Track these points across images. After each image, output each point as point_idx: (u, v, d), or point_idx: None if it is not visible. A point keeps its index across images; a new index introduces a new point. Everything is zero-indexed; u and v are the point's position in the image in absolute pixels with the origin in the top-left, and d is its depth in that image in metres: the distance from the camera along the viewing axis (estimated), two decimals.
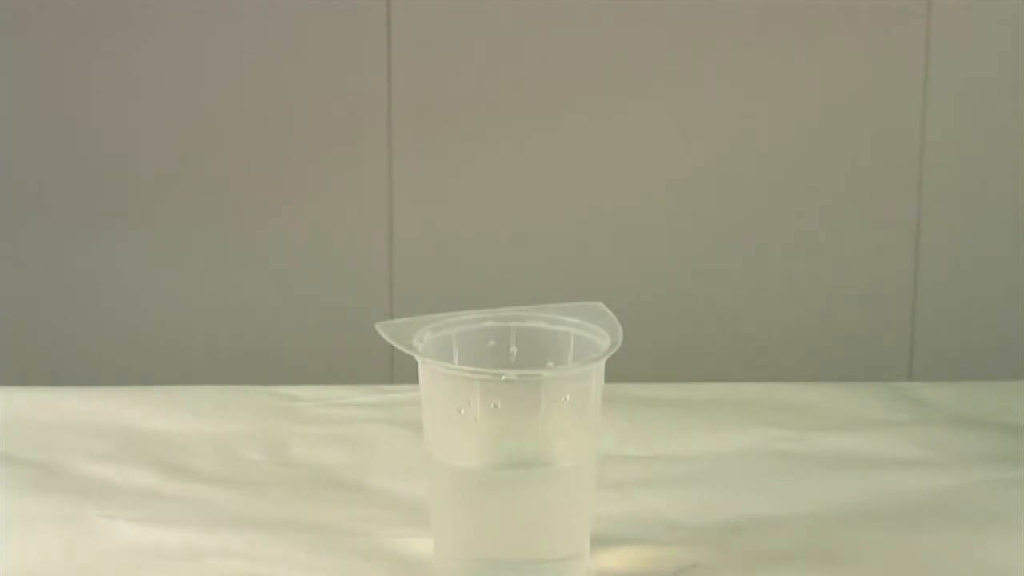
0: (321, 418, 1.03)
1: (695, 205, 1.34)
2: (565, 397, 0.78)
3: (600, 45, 1.31)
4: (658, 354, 1.28)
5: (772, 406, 1.05)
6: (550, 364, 0.82)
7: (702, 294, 1.36)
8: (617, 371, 0.81)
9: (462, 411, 0.77)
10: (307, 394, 1.07)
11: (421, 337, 0.80)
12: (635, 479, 0.93)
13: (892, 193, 1.34)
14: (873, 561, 0.83)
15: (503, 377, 0.78)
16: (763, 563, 0.82)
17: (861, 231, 1.35)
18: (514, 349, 0.82)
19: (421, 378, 0.79)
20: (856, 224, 1.35)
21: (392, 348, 0.79)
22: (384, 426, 1.01)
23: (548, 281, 1.34)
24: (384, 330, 0.80)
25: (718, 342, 1.36)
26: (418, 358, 0.79)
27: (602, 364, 0.78)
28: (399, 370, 1.27)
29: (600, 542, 0.82)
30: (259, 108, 1.32)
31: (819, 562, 0.82)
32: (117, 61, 1.31)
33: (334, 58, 1.31)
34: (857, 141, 1.33)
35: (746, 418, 1.03)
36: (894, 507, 0.89)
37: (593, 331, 0.81)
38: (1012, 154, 1.33)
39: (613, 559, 0.83)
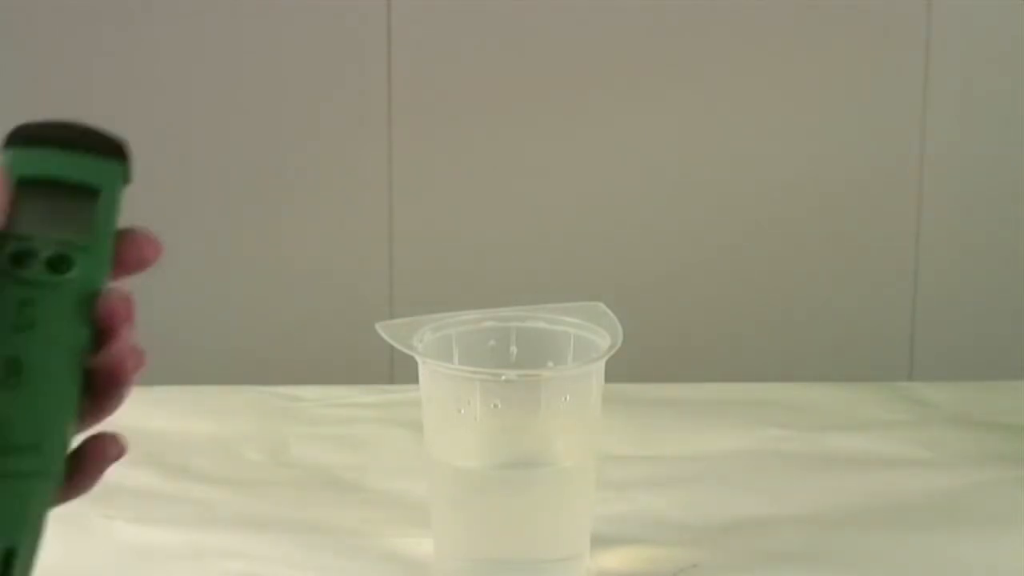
0: (321, 418, 1.03)
1: (695, 205, 1.34)
2: (565, 397, 0.78)
3: (600, 45, 1.31)
4: (658, 354, 1.28)
5: (772, 406, 1.05)
6: (550, 364, 0.82)
7: (702, 294, 1.36)
8: (617, 371, 0.81)
9: (462, 411, 0.77)
10: (307, 394, 1.07)
11: (421, 337, 0.80)
12: (635, 479, 0.93)
13: (892, 194, 1.34)
14: (873, 561, 0.83)
15: (503, 377, 0.78)
16: (763, 563, 0.82)
17: (861, 231, 1.35)
18: (514, 349, 0.82)
19: (421, 378, 0.79)
20: (856, 224, 1.35)
21: (392, 348, 0.79)
22: (384, 426, 1.01)
23: (548, 281, 1.34)
24: (384, 330, 0.80)
25: (718, 342, 1.36)
26: (418, 358, 0.79)
27: (602, 364, 0.78)
28: (399, 370, 1.27)
29: (600, 542, 0.82)
30: (259, 107, 1.32)
31: (819, 562, 0.82)
32: (117, 60, 1.31)
33: (334, 58, 1.31)
34: (857, 141, 1.33)
35: (746, 418, 1.03)
36: (894, 507, 0.89)
37: (593, 331, 0.81)
38: (1012, 155, 1.33)
39: (613, 559, 0.83)
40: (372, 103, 1.31)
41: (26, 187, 0.53)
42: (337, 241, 1.35)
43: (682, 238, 1.35)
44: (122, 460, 0.95)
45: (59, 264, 0.52)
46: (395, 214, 1.33)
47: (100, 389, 0.54)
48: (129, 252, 0.55)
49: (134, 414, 1.01)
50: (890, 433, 1.00)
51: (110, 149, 0.56)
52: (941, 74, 1.31)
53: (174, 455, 0.96)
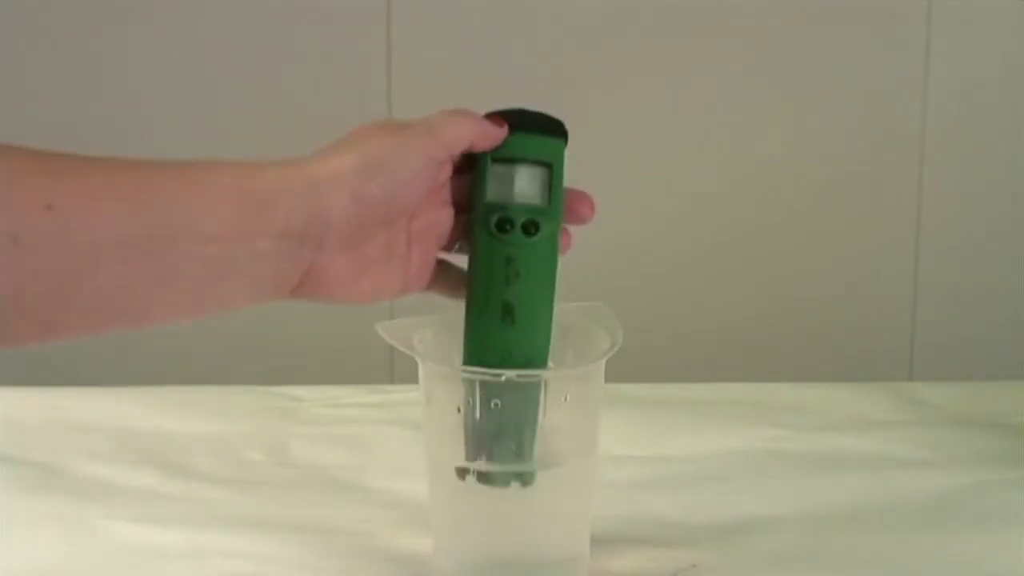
0: (321, 418, 1.03)
1: (695, 205, 1.34)
2: (565, 397, 0.78)
3: (600, 46, 1.31)
4: (658, 354, 1.28)
5: (772, 406, 1.05)
6: (550, 364, 0.82)
7: (702, 294, 1.36)
8: (617, 371, 0.81)
9: (462, 411, 0.77)
10: (307, 394, 1.07)
11: (421, 337, 0.80)
12: (635, 479, 0.93)
13: (892, 193, 1.34)
14: (873, 561, 0.83)
15: (503, 377, 0.78)
16: (763, 563, 0.82)
17: (861, 231, 1.35)
18: None
19: (421, 378, 0.79)
20: (856, 224, 1.35)
21: (392, 348, 0.79)
22: (384, 426, 1.01)
23: None
24: (384, 330, 0.80)
25: (718, 342, 1.36)
26: (418, 358, 0.79)
27: (602, 364, 0.78)
28: (399, 370, 1.27)
29: (600, 542, 0.82)
30: (259, 108, 1.32)
31: (819, 562, 0.82)
32: (118, 61, 1.31)
33: (335, 58, 1.31)
34: (857, 142, 1.33)
35: (746, 418, 1.03)
36: (894, 507, 0.89)
37: (593, 331, 0.81)
38: (1012, 154, 1.33)
39: (613, 559, 0.82)
40: (372, 103, 1.31)
41: (501, 164, 0.70)
42: None
43: (682, 238, 1.35)
44: (122, 460, 0.95)
45: (530, 228, 0.71)
46: None
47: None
48: (573, 208, 0.73)
49: (134, 414, 1.02)
50: (890, 433, 1.00)
51: (557, 130, 0.72)
52: (941, 74, 1.31)
53: (174, 455, 0.96)
